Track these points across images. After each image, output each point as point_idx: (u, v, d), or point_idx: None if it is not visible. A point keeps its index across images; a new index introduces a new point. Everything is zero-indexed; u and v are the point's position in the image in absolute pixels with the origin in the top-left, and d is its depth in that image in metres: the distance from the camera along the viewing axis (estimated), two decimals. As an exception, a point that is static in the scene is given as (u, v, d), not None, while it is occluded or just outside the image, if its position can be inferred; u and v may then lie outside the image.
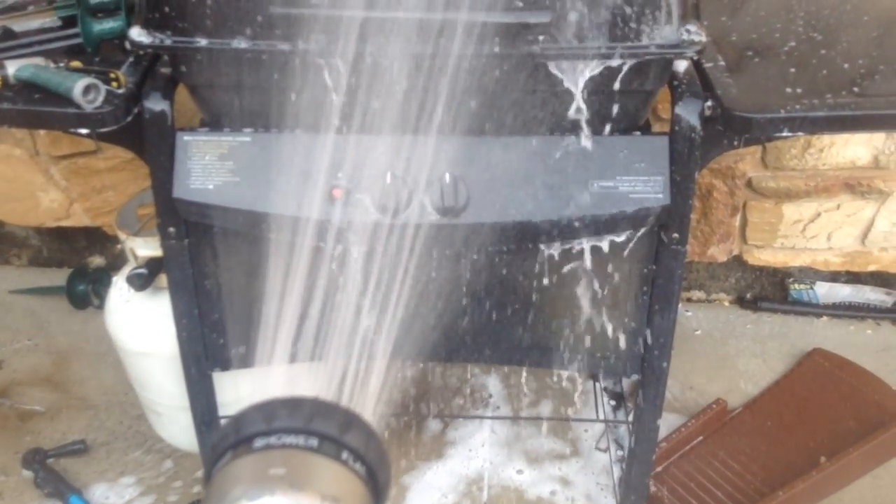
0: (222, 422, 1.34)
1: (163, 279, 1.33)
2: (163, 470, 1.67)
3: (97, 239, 2.16)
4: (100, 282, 2.04)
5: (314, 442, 0.52)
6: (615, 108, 1.04)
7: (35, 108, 1.02)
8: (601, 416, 1.75)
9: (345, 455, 0.53)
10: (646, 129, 1.11)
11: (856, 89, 1.05)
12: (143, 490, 1.63)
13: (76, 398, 1.84)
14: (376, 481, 0.54)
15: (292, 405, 0.54)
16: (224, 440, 0.53)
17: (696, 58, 1.01)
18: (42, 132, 1.88)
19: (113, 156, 1.92)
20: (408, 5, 0.90)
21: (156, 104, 1.05)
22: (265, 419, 0.53)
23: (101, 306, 1.73)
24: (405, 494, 1.62)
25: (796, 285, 2.04)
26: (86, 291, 2.05)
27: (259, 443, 0.52)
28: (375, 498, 0.54)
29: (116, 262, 2.06)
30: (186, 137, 1.07)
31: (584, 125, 1.04)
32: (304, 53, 0.96)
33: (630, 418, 1.58)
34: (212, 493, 0.51)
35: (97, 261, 2.20)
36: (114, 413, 1.80)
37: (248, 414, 0.54)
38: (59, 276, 2.12)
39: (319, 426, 0.53)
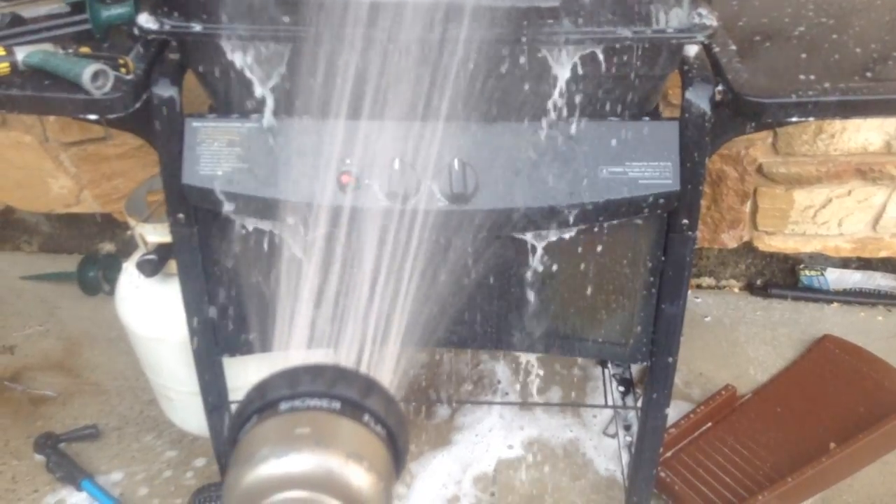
0: (233, 407, 1.34)
1: (173, 265, 1.34)
2: (164, 458, 1.69)
3: (107, 225, 2.17)
4: (110, 268, 2.05)
5: (337, 405, 0.54)
6: (625, 93, 1.04)
7: (44, 94, 1.02)
8: (610, 402, 1.75)
9: (366, 417, 0.54)
10: (656, 115, 1.10)
11: (868, 74, 1.04)
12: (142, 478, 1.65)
13: (88, 383, 1.86)
14: (396, 444, 0.56)
15: (315, 371, 0.56)
16: (250, 405, 0.55)
17: (707, 42, 1.00)
18: (52, 119, 1.89)
19: (122, 142, 1.93)
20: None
21: (164, 90, 1.05)
22: (289, 384, 0.55)
23: (111, 292, 1.75)
24: (412, 483, 1.63)
25: (807, 271, 2.03)
26: (96, 277, 2.06)
27: (284, 406, 0.54)
28: (395, 460, 0.55)
29: (127, 248, 2.07)
30: (195, 124, 1.07)
31: (593, 110, 1.04)
32: (310, 38, 0.95)
33: (639, 404, 1.58)
34: (239, 455, 0.52)
35: (107, 247, 2.21)
36: (125, 398, 1.82)
37: (272, 380, 0.56)
38: (69, 263, 2.13)
39: (342, 390, 0.54)
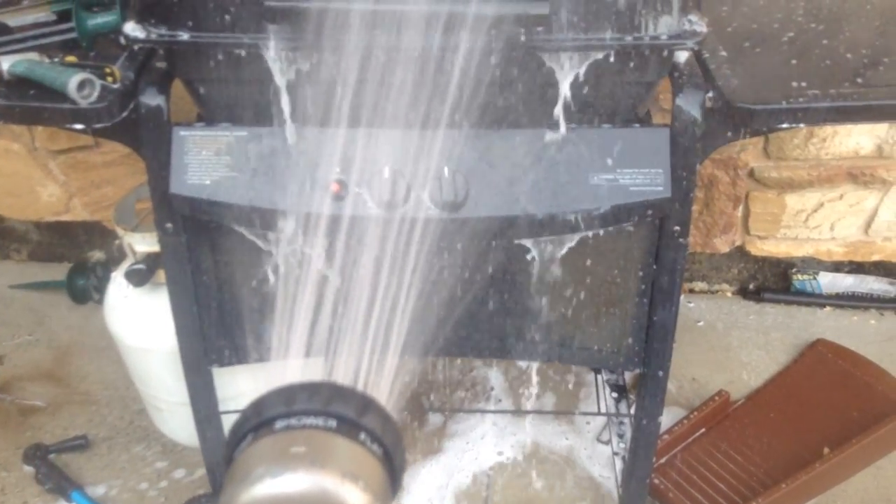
0: (223, 417, 1.33)
1: (161, 274, 1.33)
2: (154, 469, 1.67)
3: (97, 233, 2.16)
4: (100, 276, 2.04)
5: (333, 423, 0.54)
6: (615, 100, 1.03)
7: (29, 103, 1.01)
8: (603, 409, 1.74)
9: (362, 436, 0.54)
10: (646, 121, 1.10)
11: (859, 80, 1.04)
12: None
13: (77, 393, 1.84)
14: (392, 462, 0.55)
15: (311, 389, 0.55)
16: (245, 423, 0.55)
17: (697, 49, 1.00)
18: (39, 127, 1.88)
19: (111, 150, 1.92)
20: (405, -2, 0.89)
21: (151, 99, 1.04)
22: (285, 402, 0.55)
23: (101, 301, 1.73)
24: (401, 495, 1.62)
25: (799, 276, 2.03)
26: (86, 286, 2.05)
27: (280, 424, 0.54)
28: (391, 479, 0.55)
29: (117, 256, 2.06)
30: (182, 132, 1.06)
31: (583, 117, 1.03)
32: (298, 47, 0.95)
33: (632, 411, 1.58)
34: (234, 474, 0.52)
35: (97, 255, 2.20)
36: (115, 408, 1.80)
37: (268, 398, 0.55)
38: (59, 271, 2.11)
39: (338, 408, 0.54)
